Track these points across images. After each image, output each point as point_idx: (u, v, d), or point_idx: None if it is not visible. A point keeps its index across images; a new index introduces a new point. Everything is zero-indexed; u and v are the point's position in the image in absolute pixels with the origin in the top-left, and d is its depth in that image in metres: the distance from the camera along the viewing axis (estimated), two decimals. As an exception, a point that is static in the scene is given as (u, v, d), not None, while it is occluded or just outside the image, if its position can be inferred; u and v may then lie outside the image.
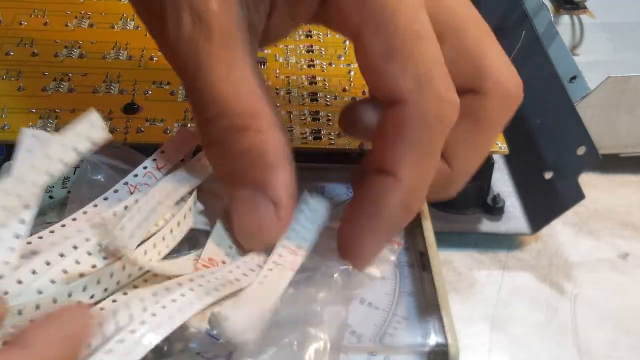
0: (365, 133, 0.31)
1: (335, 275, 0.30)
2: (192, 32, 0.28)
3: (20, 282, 0.26)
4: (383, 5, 0.28)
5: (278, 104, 0.41)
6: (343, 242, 0.30)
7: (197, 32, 0.28)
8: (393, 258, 0.32)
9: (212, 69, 0.28)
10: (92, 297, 0.27)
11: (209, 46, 0.28)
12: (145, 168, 0.32)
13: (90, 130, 0.27)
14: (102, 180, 0.31)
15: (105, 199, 0.31)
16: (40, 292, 0.26)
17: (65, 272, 0.27)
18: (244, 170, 0.28)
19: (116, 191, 0.31)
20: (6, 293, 0.25)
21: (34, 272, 0.26)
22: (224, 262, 0.29)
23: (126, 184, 0.31)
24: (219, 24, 0.28)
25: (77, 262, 0.27)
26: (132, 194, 0.31)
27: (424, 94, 0.28)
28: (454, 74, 0.29)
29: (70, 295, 0.26)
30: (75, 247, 0.27)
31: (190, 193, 0.31)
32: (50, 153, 0.27)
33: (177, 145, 0.33)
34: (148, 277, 0.28)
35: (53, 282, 0.26)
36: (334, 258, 0.31)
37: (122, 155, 0.33)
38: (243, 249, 0.30)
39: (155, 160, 0.32)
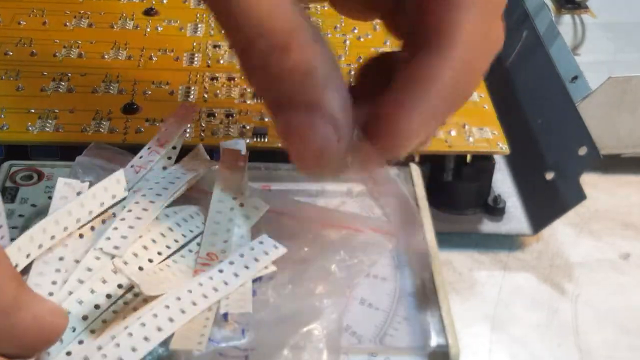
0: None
1: (333, 266, 0.30)
2: None
3: None
4: None
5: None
6: (383, 125, 0.27)
7: None
8: (389, 245, 0.32)
9: None
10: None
11: None
12: (149, 148, 0.32)
13: (115, 187, 0.30)
14: (94, 181, 0.31)
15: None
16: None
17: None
18: (293, 93, 0.26)
19: (132, 165, 0.31)
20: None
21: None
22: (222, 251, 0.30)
23: (132, 166, 0.32)
24: None
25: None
26: (137, 173, 0.31)
27: None
28: None
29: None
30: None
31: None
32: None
33: (178, 120, 0.33)
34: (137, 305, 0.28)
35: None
36: (330, 250, 0.31)
37: (112, 157, 0.33)
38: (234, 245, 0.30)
39: (157, 138, 0.33)
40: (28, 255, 0.27)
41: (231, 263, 0.29)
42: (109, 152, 0.34)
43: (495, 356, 0.35)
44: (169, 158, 0.33)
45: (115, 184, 0.30)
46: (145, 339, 0.26)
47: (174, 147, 0.33)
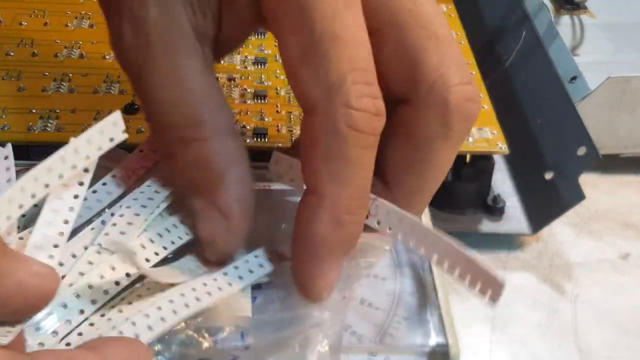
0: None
1: None
2: (132, 41, 0.27)
3: None
4: (301, 3, 0.25)
5: (277, 105, 0.41)
6: (295, 277, 0.28)
7: (136, 40, 0.27)
8: (387, 247, 0.32)
9: (152, 76, 0.27)
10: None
11: (149, 54, 0.27)
12: (141, 151, 0.32)
13: (112, 130, 0.28)
14: (91, 181, 0.32)
15: (104, 184, 0.31)
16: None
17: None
18: (195, 181, 0.27)
19: (114, 176, 0.31)
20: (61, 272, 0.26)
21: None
22: None
23: (123, 168, 0.32)
24: (157, 30, 0.27)
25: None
26: (129, 178, 0.31)
27: (332, 103, 0.25)
28: (392, 78, 0.27)
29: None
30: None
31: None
32: (77, 148, 0.27)
33: None
34: (142, 292, 0.28)
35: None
36: None
37: (109, 156, 0.33)
38: None
39: (150, 142, 0.33)
40: (21, 206, 0.26)
41: (225, 274, 0.29)
42: (109, 151, 0.34)
43: (496, 356, 0.35)
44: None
45: (111, 126, 0.28)
46: (162, 319, 0.26)
47: None
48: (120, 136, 0.28)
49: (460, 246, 0.28)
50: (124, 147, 0.34)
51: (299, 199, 0.30)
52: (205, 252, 0.28)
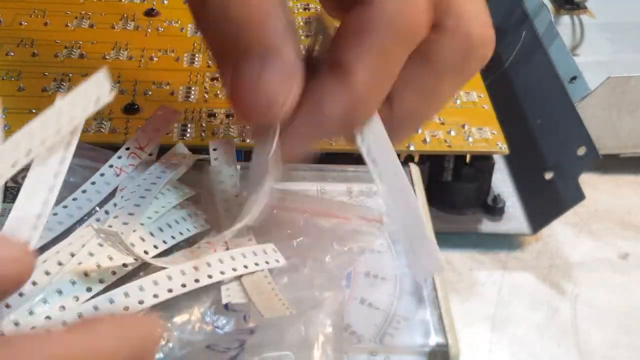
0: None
1: (327, 257, 0.31)
2: None
3: (35, 284, 0.26)
4: None
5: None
6: (289, 144, 0.28)
7: None
8: (378, 232, 0.32)
9: None
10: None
11: None
12: (127, 149, 0.32)
13: (97, 89, 0.27)
14: (78, 182, 0.32)
15: (93, 182, 0.31)
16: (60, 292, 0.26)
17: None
18: (249, 39, 0.26)
19: (102, 174, 0.31)
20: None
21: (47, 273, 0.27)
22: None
23: (111, 166, 0.32)
24: None
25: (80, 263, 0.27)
26: (118, 176, 0.31)
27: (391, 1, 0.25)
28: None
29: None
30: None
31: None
32: (61, 109, 0.26)
33: (157, 123, 0.33)
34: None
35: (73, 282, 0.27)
36: (322, 239, 0.31)
37: (95, 156, 0.34)
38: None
39: (137, 139, 0.33)
40: (14, 165, 0.25)
41: (232, 258, 0.29)
42: (93, 152, 0.34)
43: (495, 356, 0.35)
44: (147, 163, 0.33)
45: (95, 86, 0.27)
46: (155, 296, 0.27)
47: (150, 154, 0.33)
48: (107, 96, 0.27)
49: (418, 218, 0.29)
50: (110, 148, 0.34)
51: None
52: (257, 117, 0.27)
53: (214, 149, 0.34)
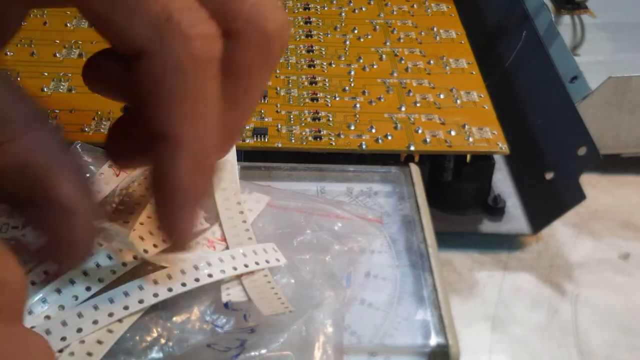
0: (113, 89, 0.27)
1: (327, 257, 0.31)
2: None
3: (33, 283, 0.27)
4: None
5: (277, 105, 0.41)
6: (159, 225, 0.26)
7: None
8: (377, 232, 0.33)
9: None
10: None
11: None
12: None
13: None
14: None
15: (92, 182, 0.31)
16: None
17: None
18: (20, 189, 0.24)
19: (101, 174, 0.31)
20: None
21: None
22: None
23: (110, 166, 0.32)
24: None
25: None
26: (117, 176, 0.31)
27: (165, 39, 0.23)
28: (208, 13, 0.24)
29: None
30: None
31: None
32: None
33: None
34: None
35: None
36: (322, 239, 0.31)
37: (95, 156, 0.34)
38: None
39: None
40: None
41: (233, 257, 0.29)
42: (93, 152, 0.34)
43: (495, 356, 0.35)
44: None
45: None
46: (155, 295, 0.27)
47: None
48: None
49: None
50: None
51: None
52: (69, 260, 0.26)
53: None
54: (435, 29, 0.48)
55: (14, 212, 0.26)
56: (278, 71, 0.43)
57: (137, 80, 0.24)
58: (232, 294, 0.28)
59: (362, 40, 0.47)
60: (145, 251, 0.28)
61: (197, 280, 0.27)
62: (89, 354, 0.25)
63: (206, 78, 0.24)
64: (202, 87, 0.24)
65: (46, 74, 0.41)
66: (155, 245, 0.29)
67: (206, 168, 0.26)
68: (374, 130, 0.39)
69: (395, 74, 0.44)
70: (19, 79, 0.41)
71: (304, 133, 0.39)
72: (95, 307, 0.26)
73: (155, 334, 0.27)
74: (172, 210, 0.25)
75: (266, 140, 0.38)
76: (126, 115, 0.28)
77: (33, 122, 0.24)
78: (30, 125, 0.24)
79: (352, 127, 0.39)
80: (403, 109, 0.41)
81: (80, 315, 0.26)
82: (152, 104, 0.24)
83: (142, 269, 0.28)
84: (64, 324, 0.26)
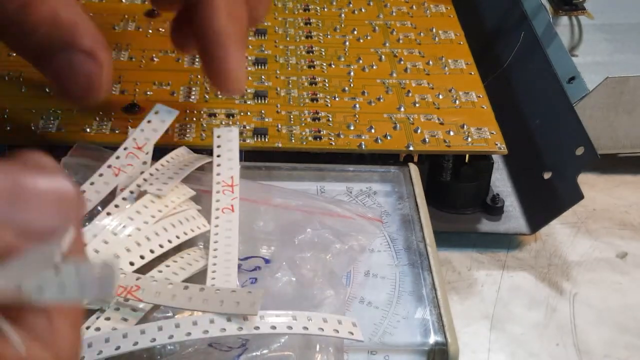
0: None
1: (328, 256, 0.31)
2: None
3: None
4: None
5: (277, 105, 0.41)
6: (210, 78, 0.32)
7: None
8: (377, 231, 0.33)
9: None
10: None
11: None
12: (125, 149, 0.33)
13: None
14: (79, 182, 0.32)
15: (92, 183, 0.31)
16: None
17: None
18: (49, 39, 0.29)
19: (101, 174, 0.32)
20: None
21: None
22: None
23: (109, 166, 0.32)
24: None
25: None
26: (116, 176, 0.32)
27: None
28: None
29: None
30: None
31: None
32: None
33: (155, 122, 0.34)
34: None
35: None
36: (323, 237, 0.31)
37: (99, 156, 0.34)
38: None
39: (135, 139, 0.33)
40: None
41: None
42: (94, 151, 0.34)
43: (494, 355, 0.35)
44: (144, 163, 0.33)
45: None
46: None
47: (146, 153, 0.34)
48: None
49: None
50: (111, 147, 0.35)
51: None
52: (82, 98, 0.30)
53: (218, 136, 0.35)
54: (434, 30, 0.48)
55: (38, 66, 0.30)
56: (278, 72, 0.43)
57: None
58: (217, 278, 0.28)
59: (361, 41, 0.47)
60: (142, 257, 0.29)
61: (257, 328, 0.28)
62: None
63: None
64: None
65: (48, 74, 0.41)
66: (151, 251, 0.29)
67: (239, 18, 0.32)
68: (373, 131, 0.39)
69: (394, 75, 0.44)
70: (21, 79, 0.41)
71: (304, 133, 0.39)
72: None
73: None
74: (220, 52, 0.32)
75: (266, 140, 0.39)
76: (178, 15, 0.37)
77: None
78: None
79: (352, 127, 0.39)
80: (402, 109, 0.41)
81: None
82: None
83: (149, 269, 0.28)
84: None
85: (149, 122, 0.34)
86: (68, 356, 0.20)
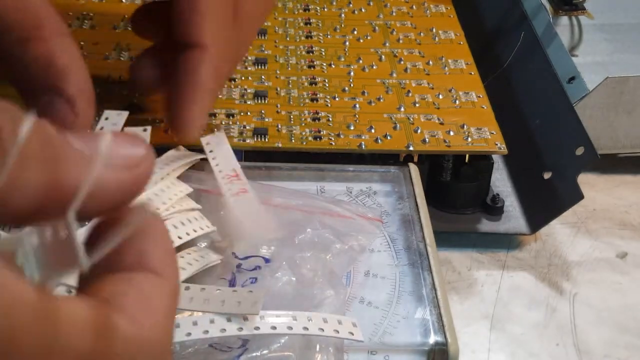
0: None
1: (328, 256, 0.31)
2: None
3: None
4: None
5: (277, 105, 0.41)
6: (171, 118, 0.32)
7: None
8: (377, 231, 0.33)
9: None
10: None
11: None
12: None
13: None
14: None
15: None
16: None
17: None
18: (38, 78, 0.29)
19: None
20: None
21: None
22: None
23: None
24: None
25: None
26: None
27: None
28: None
29: None
30: None
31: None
32: None
33: (107, 128, 0.34)
34: None
35: None
36: (323, 237, 0.31)
37: None
38: None
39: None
40: None
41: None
42: None
43: (494, 355, 0.35)
44: None
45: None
46: None
47: None
48: None
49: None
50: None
51: None
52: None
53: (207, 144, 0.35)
54: (434, 30, 0.48)
55: (22, 96, 0.30)
56: (278, 72, 0.43)
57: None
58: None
59: (361, 41, 0.47)
60: None
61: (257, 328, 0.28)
62: None
63: (229, 4, 0.32)
64: (226, 10, 0.32)
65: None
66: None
67: (221, 74, 0.33)
68: (373, 131, 0.39)
69: (394, 75, 0.44)
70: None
71: (304, 133, 0.39)
72: None
73: None
74: (192, 101, 0.32)
75: (266, 140, 0.39)
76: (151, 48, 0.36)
77: (61, 29, 0.30)
78: (59, 31, 0.30)
79: (352, 127, 0.40)
80: (402, 109, 0.41)
81: None
82: (188, 15, 0.32)
83: None
84: None
85: (101, 129, 0.34)
86: (158, 337, 0.19)
